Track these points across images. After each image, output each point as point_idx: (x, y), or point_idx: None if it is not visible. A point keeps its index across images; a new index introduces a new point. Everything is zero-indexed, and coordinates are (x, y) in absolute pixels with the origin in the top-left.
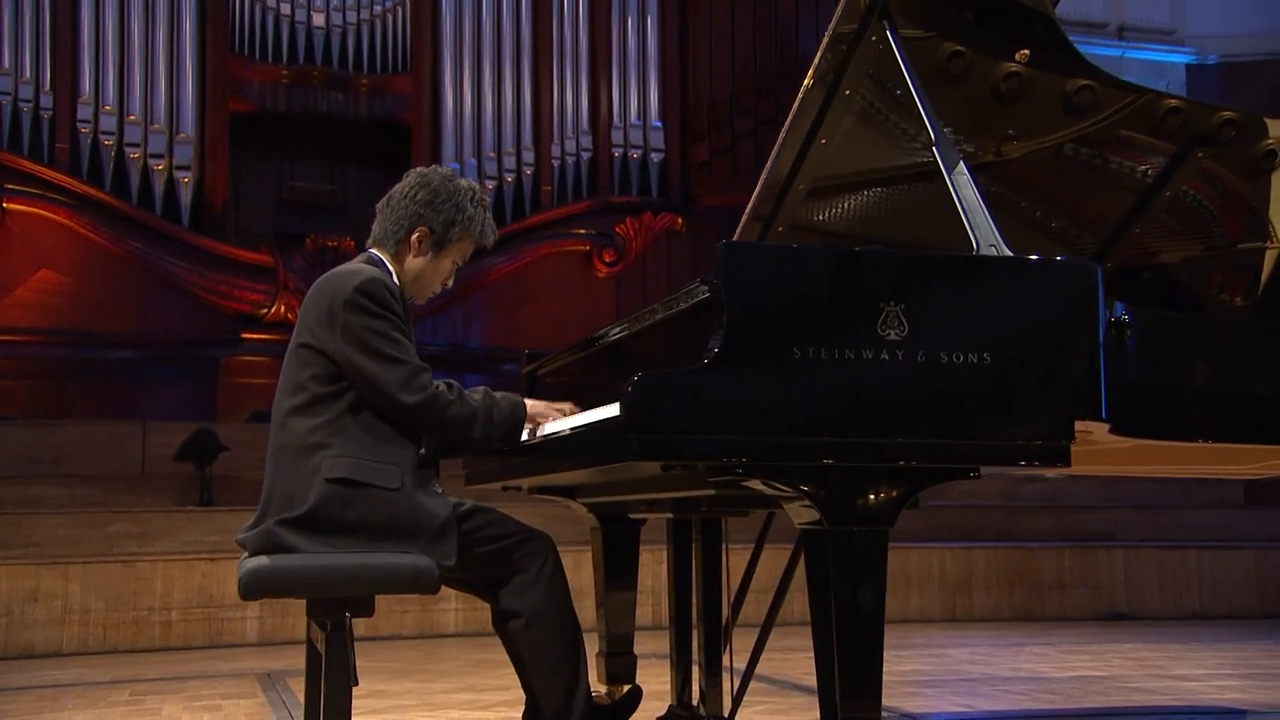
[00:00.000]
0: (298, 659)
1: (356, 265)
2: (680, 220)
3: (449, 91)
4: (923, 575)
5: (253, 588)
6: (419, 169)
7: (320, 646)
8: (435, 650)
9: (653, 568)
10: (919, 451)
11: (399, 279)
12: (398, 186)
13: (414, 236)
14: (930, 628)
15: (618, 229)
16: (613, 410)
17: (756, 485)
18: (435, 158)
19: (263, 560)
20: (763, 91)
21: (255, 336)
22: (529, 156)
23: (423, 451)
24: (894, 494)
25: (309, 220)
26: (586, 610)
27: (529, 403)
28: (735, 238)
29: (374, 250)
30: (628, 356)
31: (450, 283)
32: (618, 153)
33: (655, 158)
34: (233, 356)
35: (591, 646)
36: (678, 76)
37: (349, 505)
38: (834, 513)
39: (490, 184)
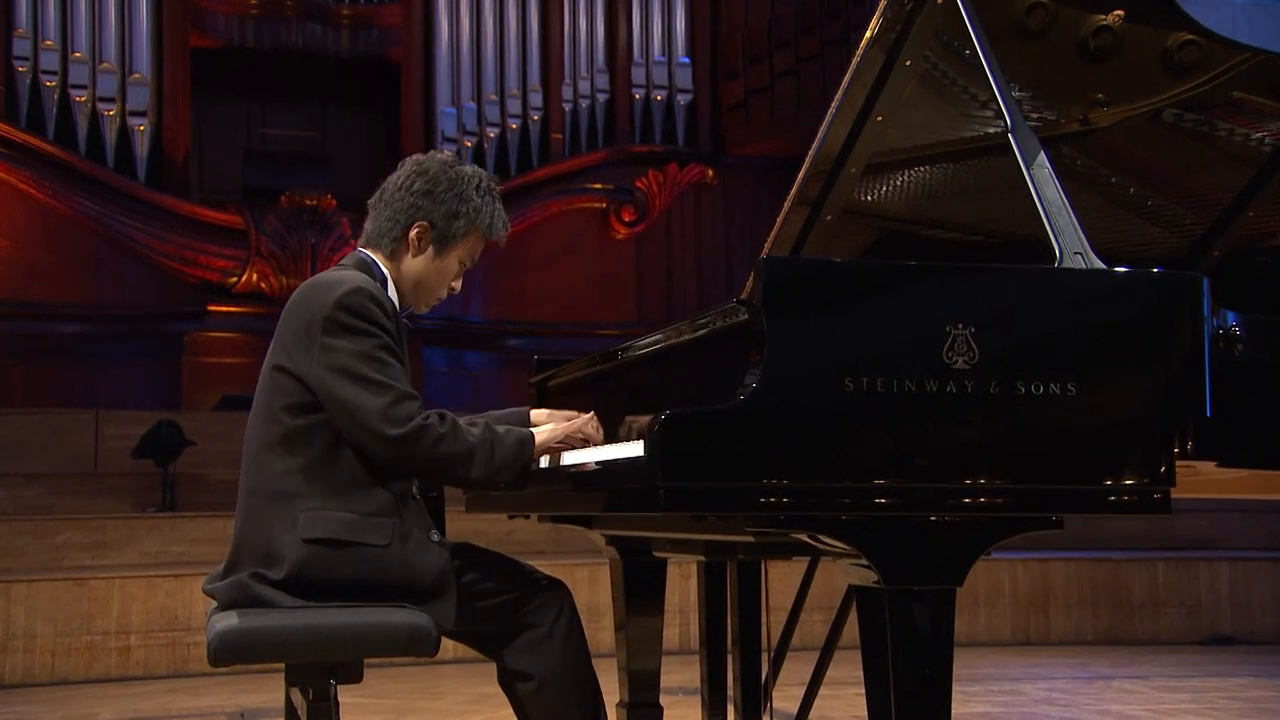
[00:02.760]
0: (276, 692)
1: (341, 273)
2: (711, 172)
3: (444, 23)
4: (991, 591)
5: (223, 652)
6: (415, 156)
7: (300, 709)
8: (432, 682)
9: (680, 583)
10: (992, 498)
11: (395, 284)
12: (391, 177)
13: (412, 233)
14: (1001, 653)
15: (639, 183)
16: (635, 449)
17: (802, 537)
18: (428, 100)
19: (234, 619)
20: (807, 22)
21: (223, 309)
22: (536, 99)
23: (416, 493)
24: (962, 548)
25: (284, 174)
26: (605, 631)
27: (539, 434)
28: (779, 223)
29: (366, 250)
30: (652, 379)
31: (458, 287)
32: (639, 94)
33: (682, 99)
34: (198, 332)
35: (609, 680)
36: (708, 4)
37: (331, 567)
38: (892, 570)
39: (492, 131)
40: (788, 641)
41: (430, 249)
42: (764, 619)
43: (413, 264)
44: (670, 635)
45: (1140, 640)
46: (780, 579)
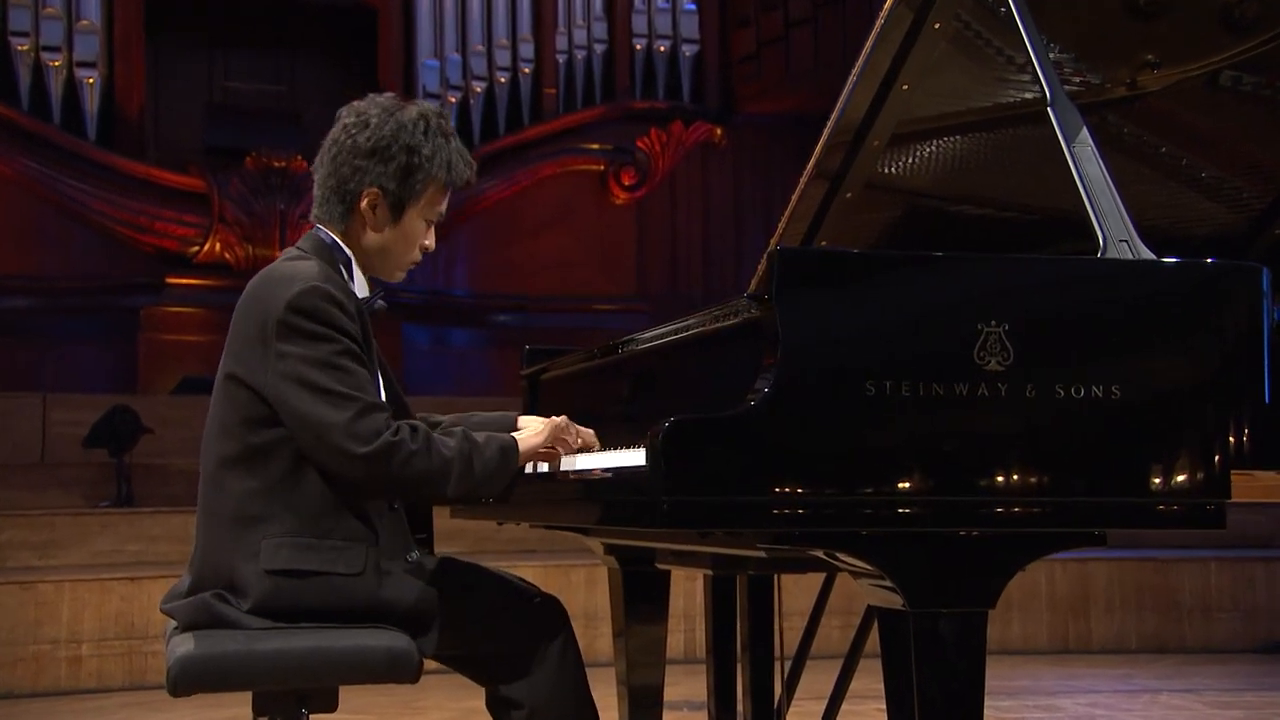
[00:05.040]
0: (243, 707)
1: (295, 266)
2: (719, 131)
3: None
4: (1026, 595)
5: (185, 681)
6: (352, 105)
7: None
8: (414, 696)
9: (685, 585)
10: (1028, 509)
11: (360, 264)
12: (330, 134)
13: (364, 203)
14: (1036, 662)
15: (640, 143)
16: (635, 457)
17: (818, 554)
18: (408, 51)
19: (196, 643)
20: None
21: (183, 281)
22: (527, 50)
23: (397, 503)
24: (995, 566)
25: (249, 132)
26: (604, 639)
27: (524, 439)
28: (795, 199)
29: (321, 229)
30: (655, 377)
31: (431, 244)
32: (640, 44)
33: (688, 50)
34: (155, 307)
35: (607, 694)
36: None
37: (299, 597)
38: (918, 592)
39: (478, 85)
40: (804, 655)
41: (388, 217)
42: (777, 626)
43: (373, 238)
44: (674, 642)
45: (1190, 648)
46: (794, 581)
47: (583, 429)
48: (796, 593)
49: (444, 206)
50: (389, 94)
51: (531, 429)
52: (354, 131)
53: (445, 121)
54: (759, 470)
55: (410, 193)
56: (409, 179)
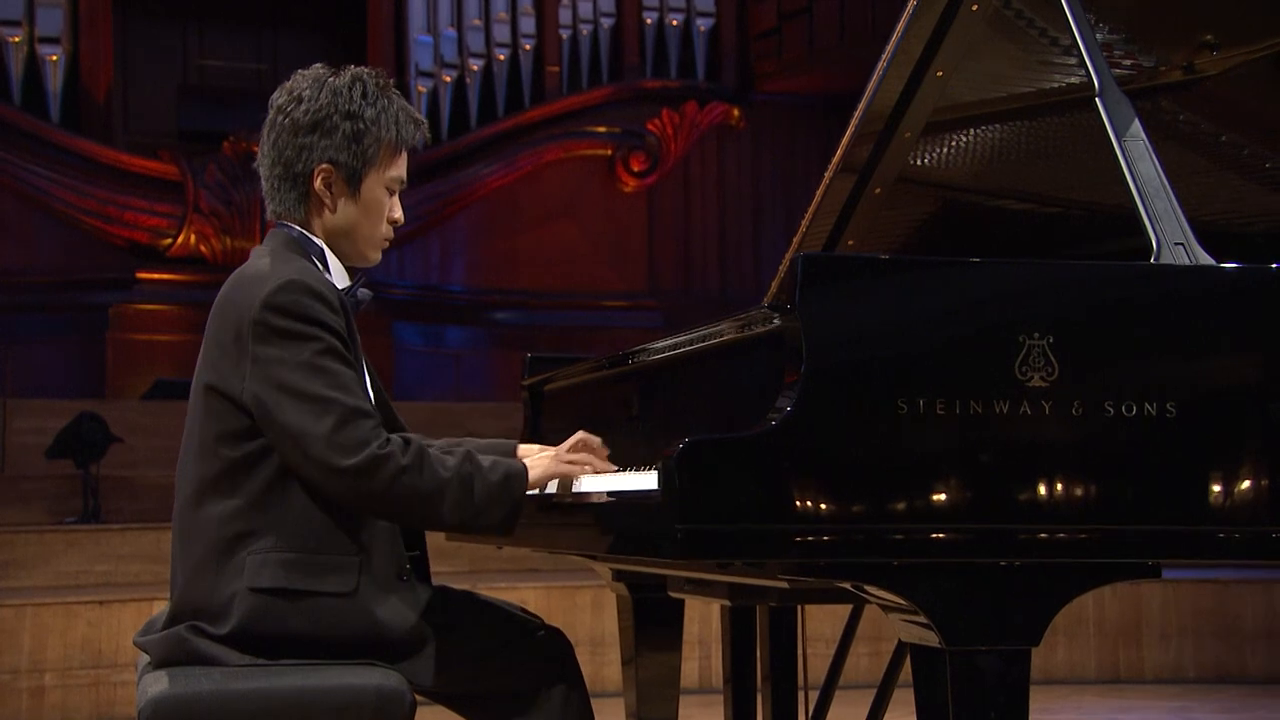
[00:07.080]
0: None
1: (268, 264)
2: (737, 112)
3: None
4: (1073, 619)
5: None
6: (282, 86)
7: None
8: None
9: (700, 608)
10: (1075, 535)
11: (331, 251)
12: (266, 123)
13: (317, 183)
14: (1083, 693)
15: (651, 125)
16: (647, 481)
17: (846, 586)
18: (399, 25)
19: (170, 682)
20: None
21: (155, 276)
22: (528, 25)
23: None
24: (1039, 600)
25: (227, 114)
26: (611, 666)
27: (534, 466)
28: (819, 196)
29: (286, 224)
30: (669, 391)
31: (400, 215)
32: (651, 19)
33: (703, 25)
34: (125, 304)
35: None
36: None
37: (285, 619)
38: (954, 629)
39: (476, 63)
40: (833, 687)
41: (346, 193)
42: (801, 653)
43: (335, 219)
44: (688, 670)
45: (1253, 679)
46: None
47: (597, 451)
48: (822, 617)
49: (402, 170)
50: (317, 65)
51: (543, 456)
52: (289, 110)
53: (383, 79)
54: (781, 496)
55: (363, 159)
56: (358, 145)
